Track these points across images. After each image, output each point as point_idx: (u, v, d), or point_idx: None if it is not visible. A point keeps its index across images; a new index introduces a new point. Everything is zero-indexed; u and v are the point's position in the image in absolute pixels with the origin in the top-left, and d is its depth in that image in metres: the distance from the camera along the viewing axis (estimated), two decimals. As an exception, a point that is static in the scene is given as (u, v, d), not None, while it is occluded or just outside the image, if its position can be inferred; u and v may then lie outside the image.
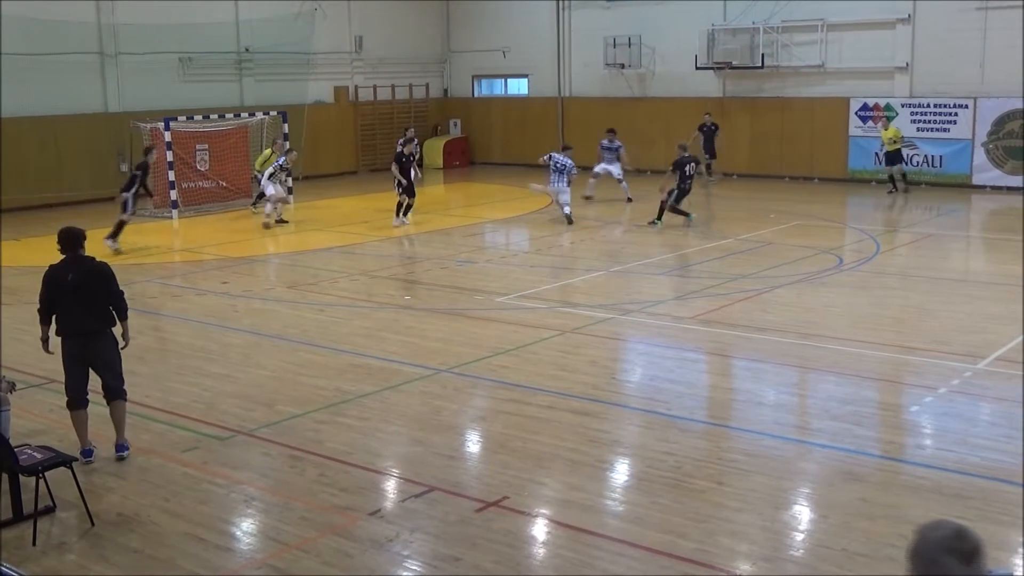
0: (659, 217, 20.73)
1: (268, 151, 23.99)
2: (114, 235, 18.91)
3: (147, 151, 19.92)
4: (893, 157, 25.51)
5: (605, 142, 25.27)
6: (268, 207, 22.06)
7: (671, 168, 20.92)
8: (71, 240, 8.83)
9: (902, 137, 25.59)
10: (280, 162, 22.41)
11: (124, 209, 18.86)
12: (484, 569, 6.78)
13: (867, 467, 8.45)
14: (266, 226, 21.84)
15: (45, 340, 8.86)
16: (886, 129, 25.52)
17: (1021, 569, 6.71)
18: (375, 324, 13.64)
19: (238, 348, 12.60)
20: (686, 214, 20.81)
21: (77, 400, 8.78)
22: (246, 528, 7.69)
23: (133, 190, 18.82)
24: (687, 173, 20.77)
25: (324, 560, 6.94)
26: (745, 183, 28.53)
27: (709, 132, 27.83)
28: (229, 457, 8.93)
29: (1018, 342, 11.91)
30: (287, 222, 22.54)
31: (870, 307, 14.19)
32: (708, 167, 27.36)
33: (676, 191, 20.77)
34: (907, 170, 26.40)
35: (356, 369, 11.47)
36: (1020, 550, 6.98)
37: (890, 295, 14.99)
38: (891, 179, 25.74)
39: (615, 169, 24.95)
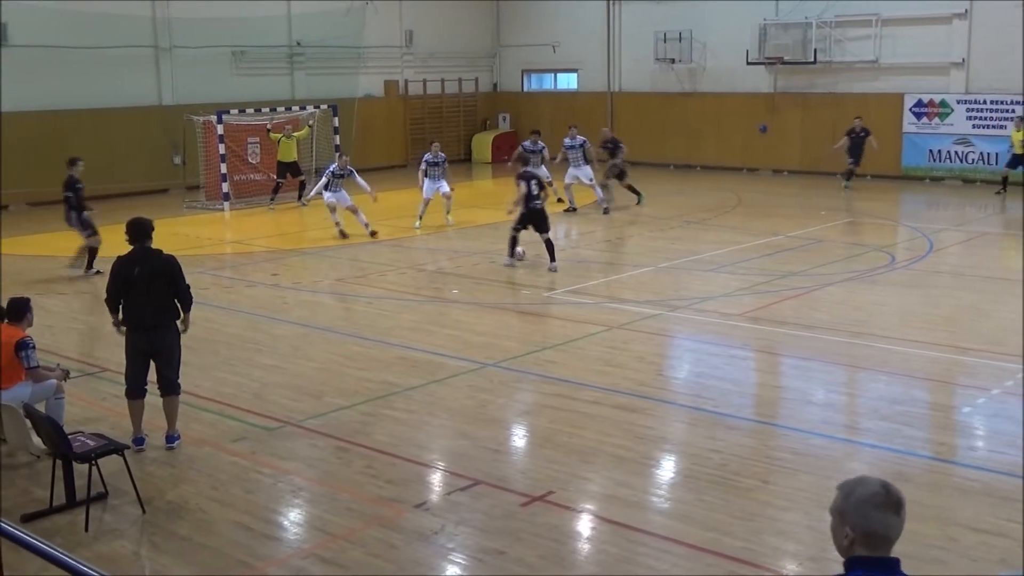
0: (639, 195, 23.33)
1: (281, 135, 24.04)
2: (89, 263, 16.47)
3: (72, 162, 16.68)
4: (1020, 159, 24.04)
5: (528, 144, 23.32)
6: (334, 217, 20.00)
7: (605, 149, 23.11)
8: (139, 231, 8.89)
9: None
10: (332, 168, 20.19)
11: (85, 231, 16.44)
12: (528, 563, 6.79)
13: (917, 468, 8.35)
14: (343, 235, 19.85)
15: (117, 324, 9.03)
16: (1018, 130, 24.05)
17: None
18: (422, 317, 13.71)
19: (287, 340, 12.72)
20: (638, 193, 23.28)
21: (136, 390, 8.90)
22: (293, 518, 7.78)
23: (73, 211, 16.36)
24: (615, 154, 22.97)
25: (370, 551, 7.00)
26: (796, 180, 28.26)
27: (858, 138, 25.28)
28: (277, 447, 9.02)
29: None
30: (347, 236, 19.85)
31: (922, 306, 14.01)
32: (850, 173, 25.58)
33: (617, 170, 23.04)
34: (964, 167, 26.01)
35: (403, 362, 11.53)
36: (1073, 555, 6.87)
37: (943, 294, 14.79)
38: (1005, 181, 24.47)
39: (543, 172, 22.94)
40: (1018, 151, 23.90)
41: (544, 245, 16.33)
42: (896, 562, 3.22)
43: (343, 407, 10.01)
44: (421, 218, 21.10)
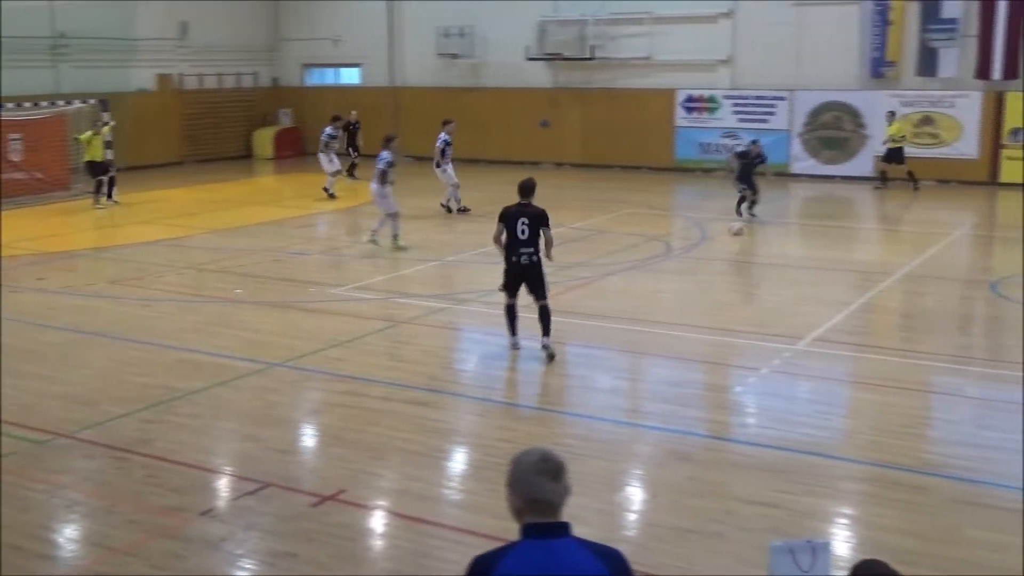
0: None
1: (90, 133, 22.99)
2: None
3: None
4: (893, 154, 24.31)
5: (330, 130, 24.74)
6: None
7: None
8: None
9: (903, 136, 24.45)
10: (387, 156, 17.38)
11: None
12: (321, 564, 6.69)
13: (695, 447, 8.74)
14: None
15: None
16: (890, 125, 24.41)
17: None
18: (205, 319, 13.27)
19: (58, 347, 12.03)
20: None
21: None
22: (69, 534, 7.37)
23: None
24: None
25: (153, 563, 6.71)
26: (577, 172, 29.04)
27: (751, 163, 20.44)
28: (49, 461, 8.53)
29: (834, 322, 12.54)
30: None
31: (697, 292, 14.66)
32: (749, 202, 20.48)
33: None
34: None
35: (185, 365, 11.12)
36: (835, 524, 7.32)
37: (715, 280, 15.52)
38: (882, 175, 24.84)
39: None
40: (890, 145, 24.37)
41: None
42: (562, 526, 3.48)
43: (121, 415, 9.56)
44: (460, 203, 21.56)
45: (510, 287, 10.99)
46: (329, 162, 24.24)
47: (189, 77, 32.09)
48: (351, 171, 26.95)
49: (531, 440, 8.82)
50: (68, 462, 8.55)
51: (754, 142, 21.26)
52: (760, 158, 20.61)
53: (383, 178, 17.00)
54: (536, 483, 3.40)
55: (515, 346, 11.18)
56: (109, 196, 23.29)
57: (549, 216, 10.93)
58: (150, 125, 30.44)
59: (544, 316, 10.92)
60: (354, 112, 28.14)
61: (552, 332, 11.04)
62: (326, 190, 24.10)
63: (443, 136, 21.46)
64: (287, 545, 6.96)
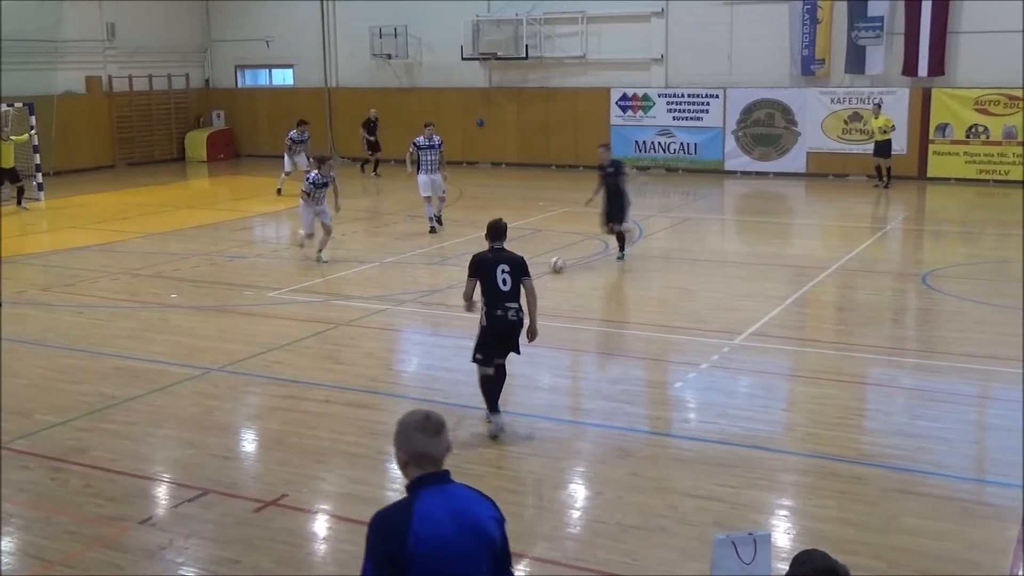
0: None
1: None
2: None
3: None
4: (882, 147, 23.96)
5: (295, 134, 24.79)
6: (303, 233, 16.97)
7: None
8: None
9: (893, 127, 23.94)
10: (311, 177, 16.60)
11: None
12: (264, 570, 6.63)
13: (637, 443, 8.80)
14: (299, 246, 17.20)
15: None
16: (876, 118, 24.08)
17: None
18: (140, 324, 13.07)
19: (-12, 356, 11.78)
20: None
21: None
22: (5, 547, 7.19)
23: None
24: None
25: (92, 574, 6.60)
26: (514, 171, 29.09)
27: (607, 174, 16.12)
28: (-18, 473, 8.34)
29: (771, 317, 12.71)
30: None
31: (636, 289, 14.76)
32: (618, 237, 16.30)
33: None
34: (667, 157, 27.63)
35: (121, 372, 10.95)
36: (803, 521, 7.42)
37: (654, 277, 15.64)
38: (878, 170, 24.32)
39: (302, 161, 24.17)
40: (879, 138, 24.08)
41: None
42: (447, 473, 3.88)
43: (56, 424, 9.39)
44: (437, 219, 19.19)
45: (490, 353, 8.97)
46: (290, 163, 24.33)
47: (119, 79, 31.53)
48: (375, 168, 28.04)
49: (475, 440, 8.83)
50: (2, 473, 8.36)
51: (603, 148, 16.95)
52: (614, 167, 16.08)
53: (305, 196, 16.52)
54: (419, 439, 3.81)
55: (500, 428, 8.91)
56: (19, 203, 22.91)
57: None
58: (79, 128, 29.88)
59: (499, 381, 9.11)
60: (373, 110, 28.53)
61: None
62: (279, 190, 24.13)
63: (417, 140, 19.32)
64: (229, 552, 6.88)
